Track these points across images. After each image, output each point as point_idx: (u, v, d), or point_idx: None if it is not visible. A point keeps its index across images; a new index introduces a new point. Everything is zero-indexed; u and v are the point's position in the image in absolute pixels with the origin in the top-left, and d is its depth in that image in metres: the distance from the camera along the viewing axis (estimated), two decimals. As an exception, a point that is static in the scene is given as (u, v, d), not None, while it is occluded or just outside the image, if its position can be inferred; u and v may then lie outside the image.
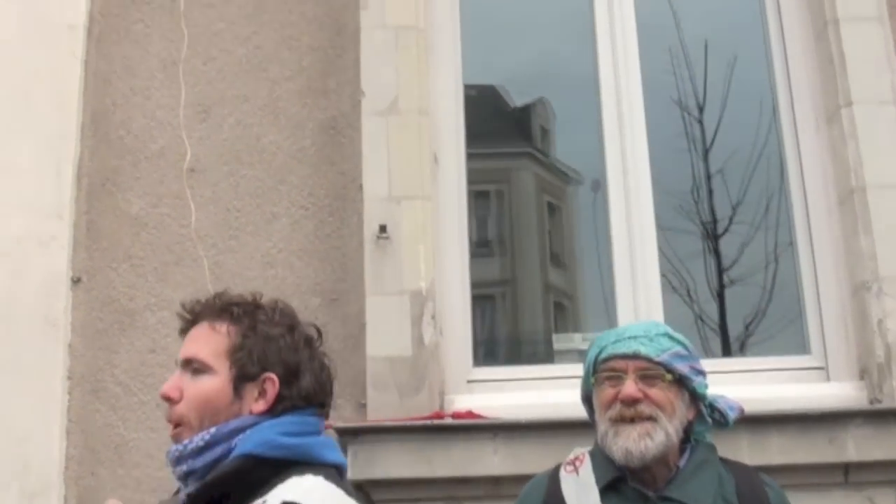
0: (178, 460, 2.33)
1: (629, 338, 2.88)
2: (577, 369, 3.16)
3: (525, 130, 6.17)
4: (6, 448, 4.32)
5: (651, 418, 2.78)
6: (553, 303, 5.62)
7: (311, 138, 4.78)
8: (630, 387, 2.81)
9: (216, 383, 2.39)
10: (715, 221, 5.38)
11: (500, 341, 5.65)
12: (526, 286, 5.81)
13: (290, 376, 2.41)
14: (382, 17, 4.82)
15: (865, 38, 4.79)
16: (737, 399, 3.47)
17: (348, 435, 4.18)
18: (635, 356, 2.85)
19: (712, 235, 5.38)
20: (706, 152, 5.42)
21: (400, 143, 4.66)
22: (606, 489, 2.82)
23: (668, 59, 5.45)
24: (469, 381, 4.56)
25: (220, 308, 2.46)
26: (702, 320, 5.26)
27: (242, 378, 2.39)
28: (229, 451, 2.30)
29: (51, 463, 3.81)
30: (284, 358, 2.43)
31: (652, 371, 2.84)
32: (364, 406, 4.33)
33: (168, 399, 2.40)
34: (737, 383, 4.38)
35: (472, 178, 5.17)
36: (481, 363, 4.80)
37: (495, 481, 4.11)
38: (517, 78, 5.75)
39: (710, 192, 5.39)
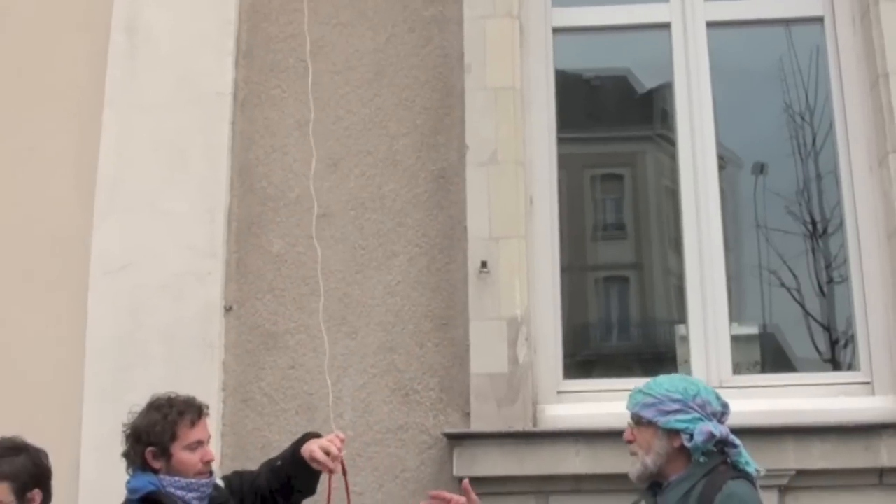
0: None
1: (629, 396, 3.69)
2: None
3: (650, 115, 6.38)
4: (170, 449, 4.87)
5: (635, 453, 3.61)
6: (675, 287, 5.73)
7: (423, 186, 5.21)
8: (626, 432, 3.65)
9: None
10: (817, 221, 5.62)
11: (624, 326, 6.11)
12: (651, 270, 6.16)
13: None
14: (484, 80, 5.24)
15: (914, 90, 5.03)
16: (795, 410, 4.51)
17: (455, 439, 4.78)
18: (628, 409, 3.66)
19: (818, 235, 5.62)
20: (816, 155, 5.65)
21: (499, 189, 5.09)
22: (649, 488, 3.64)
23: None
24: (559, 392, 5.04)
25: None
26: (809, 316, 5.59)
27: None
28: None
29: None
30: None
31: (633, 419, 3.64)
32: (468, 415, 4.87)
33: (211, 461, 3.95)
34: (792, 396, 4.93)
35: (598, 161, 5.59)
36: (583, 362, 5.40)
37: (577, 479, 4.65)
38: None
39: (820, 192, 5.64)
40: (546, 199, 5.32)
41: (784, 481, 4.61)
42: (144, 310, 5.15)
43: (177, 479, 3.85)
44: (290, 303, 5.15)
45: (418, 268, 5.15)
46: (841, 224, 5.34)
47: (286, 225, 5.25)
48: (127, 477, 3.92)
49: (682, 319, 5.29)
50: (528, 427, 4.82)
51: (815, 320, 5.61)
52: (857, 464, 4.60)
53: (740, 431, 4.55)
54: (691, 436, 3.51)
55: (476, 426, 4.84)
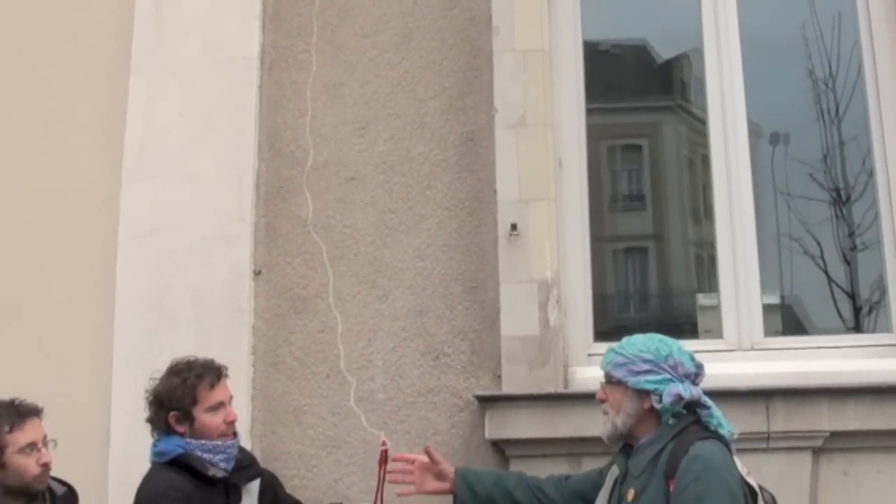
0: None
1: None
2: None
3: (669, 84, 6.32)
4: (202, 413, 4.90)
5: (606, 413, 3.64)
6: (695, 257, 5.75)
7: (452, 149, 5.18)
8: (599, 392, 3.70)
9: None
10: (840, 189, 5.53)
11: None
12: (670, 241, 6.15)
13: None
14: (512, 42, 5.19)
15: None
16: (828, 372, 4.50)
17: (486, 402, 4.77)
18: (601, 368, 3.69)
19: (842, 202, 5.56)
20: (840, 122, 5.60)
21: (528, 152, 5.05)
22: (622, 449, 3.68)
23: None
24: (589, 355, 4.98)
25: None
26: (833, 283, 5.54)
27: None
28: None
29: (239, 424, 4.10)
30: None
31: (605, 378, 3.66)
32: (499, 377, 4.86)
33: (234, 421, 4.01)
34: (825, 358, 4.85)
35: (617, 132, 5.54)
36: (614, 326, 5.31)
37: (609, 440, 4.68)
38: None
39: (843, 159, 5.56)
40: (575, 162, 5.26)
41: (818, 443, 4.59)
42: (173, 274, 5.16)
43: (203, 442, 3.89)
44: (319, 267, 5.16)
45: (448, 231, 5.13)
46: (865, 190, 5.30)
47: (315, 189, 5.24)
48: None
49: (703, 288, 5.27)
50: (560, 389, 4.82)
51: (840, 287, 5.56)
52: (891, 425, 4.55)
53: (773, 392, 4.60)
54: (661, 397, 3.51)
55: (507, 388, 4.83)
